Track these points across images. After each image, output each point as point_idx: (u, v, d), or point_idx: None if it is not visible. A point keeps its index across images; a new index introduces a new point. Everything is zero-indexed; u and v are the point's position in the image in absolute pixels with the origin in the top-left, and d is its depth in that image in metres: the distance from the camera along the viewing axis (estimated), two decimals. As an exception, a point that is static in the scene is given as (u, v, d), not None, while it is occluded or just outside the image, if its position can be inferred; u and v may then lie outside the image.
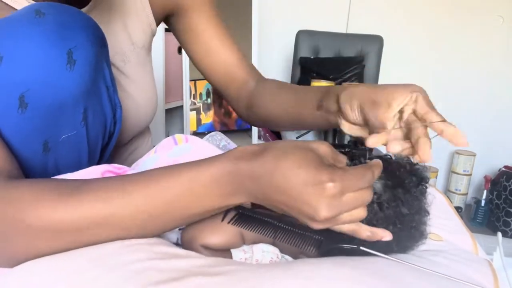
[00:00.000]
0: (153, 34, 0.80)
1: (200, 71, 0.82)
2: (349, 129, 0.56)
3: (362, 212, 0.41)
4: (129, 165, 0.70)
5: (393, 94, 0.50)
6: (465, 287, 0.44)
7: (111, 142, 0.65)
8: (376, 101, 0.50)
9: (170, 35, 2.41)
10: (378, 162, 0.43)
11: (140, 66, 0.76)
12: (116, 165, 0.57)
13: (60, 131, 0.53)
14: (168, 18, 0.81)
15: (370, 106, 0.51)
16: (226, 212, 0.47)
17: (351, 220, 0.41)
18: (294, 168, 0.38)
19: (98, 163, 0.64)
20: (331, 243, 0.46)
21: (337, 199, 0.38)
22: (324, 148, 0.42)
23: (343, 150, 0.52)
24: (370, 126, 0.51)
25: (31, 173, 0.53)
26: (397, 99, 0.50)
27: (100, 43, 0.53)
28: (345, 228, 0.42)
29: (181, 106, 2.30)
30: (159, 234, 0.47)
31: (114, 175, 0.55)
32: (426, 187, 0.53)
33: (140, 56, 0.77)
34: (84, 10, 0.64)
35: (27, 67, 0.45)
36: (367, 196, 0.40)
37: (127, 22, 0.73)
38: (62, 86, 0.48)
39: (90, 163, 0.61)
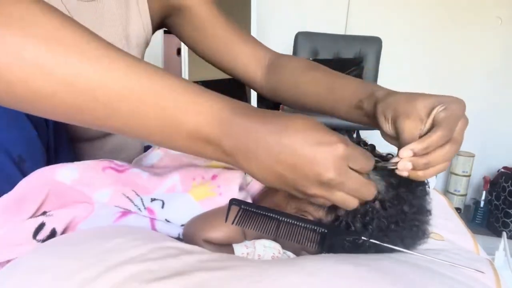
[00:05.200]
0: (148, 38, 0.81)
1: (210, 62, 0.83)
2: (384, 137, 0.54)
3: (354, 202, 0.41)
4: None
5: (423, 104, 0.48)
6: (466, 281, 0.44)
7: None
8: (409, 114, 0.48)
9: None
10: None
11: None
12: (117, 162, 0.57)
13: None
14: (166, 20, 0.82)
15: (402, 120, 0.48)
16: (228, 210, 0.47)
17: (342, 203, 0.41)
18: (305, 129, 0.39)
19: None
20: (334, 236, 0.47)
21: (345, 164, 0.39)
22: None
23: None
24: (400, 140, 0.48)
25: None
26: (426, 111, 0.48)
27: None
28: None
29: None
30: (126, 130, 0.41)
31: (115, 172, 0.55)
32: (429, 187, 0.53)
33: (137, 53, 0.78)
34: None
35: None
36: (368, 190, 0.41)
37: (127, 19, 0.75)
38: None
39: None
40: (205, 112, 0.39)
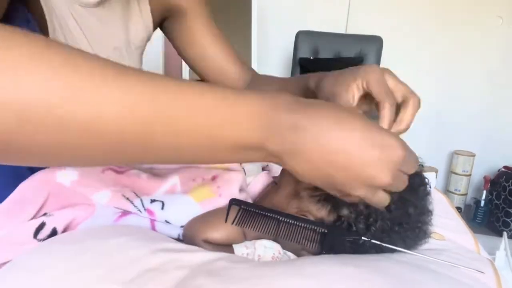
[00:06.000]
0: (149, 39, 0.82)
1: (195, 71, 0.85)
2: None
3: (388, 199, 0.40)
4: None
5: (346, 85, 0.52)
6: (465, 280, 0.44)
7: None
8: (335, 93, 0.52)
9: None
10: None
11: (134, 65, 0.78)
12: None
13: None
14: (163, 23, 0.84)
15: (333, 99, 0.53)
16: (228, 210, 0.47)
17: (379, 202, 0.40)
18: (363, 129, 0.36)
19: None
20: (334, 236, 0.47)
21: (399, 169, 0.38)
22: None
23: None
24: None
25: None
26: (349, 91, 0.52)
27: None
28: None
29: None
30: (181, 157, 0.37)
31: (114, 173, 0.55)
32: (430, 187, 0.53)
33: (137, 56, 0.79)
34: (96, 1, 0.67)
35: None
36: (404, 185, 0.40)
37: (129, 23, 0.76)
38: None
39: None
40: (244, 122, 0.36)
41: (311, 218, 0.50)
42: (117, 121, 0.31)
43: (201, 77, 0.85)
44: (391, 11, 2.55)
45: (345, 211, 0.49)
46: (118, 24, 0.74)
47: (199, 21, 0.82)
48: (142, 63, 0.84)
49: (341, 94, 0.51)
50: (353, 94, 0.51)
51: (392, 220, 0.48)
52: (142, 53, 0.83)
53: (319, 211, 0.50)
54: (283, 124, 0.36)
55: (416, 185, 0.51)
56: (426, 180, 0.54)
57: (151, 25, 0.80)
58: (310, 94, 0.60)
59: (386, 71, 0.51)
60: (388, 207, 0.48)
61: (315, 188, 0.51)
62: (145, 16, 0.78)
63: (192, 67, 0.85)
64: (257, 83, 0.81)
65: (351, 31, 2.56)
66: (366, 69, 0.51)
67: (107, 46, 0.72)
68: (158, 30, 0.86)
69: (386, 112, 0.47)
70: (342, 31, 2.58)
